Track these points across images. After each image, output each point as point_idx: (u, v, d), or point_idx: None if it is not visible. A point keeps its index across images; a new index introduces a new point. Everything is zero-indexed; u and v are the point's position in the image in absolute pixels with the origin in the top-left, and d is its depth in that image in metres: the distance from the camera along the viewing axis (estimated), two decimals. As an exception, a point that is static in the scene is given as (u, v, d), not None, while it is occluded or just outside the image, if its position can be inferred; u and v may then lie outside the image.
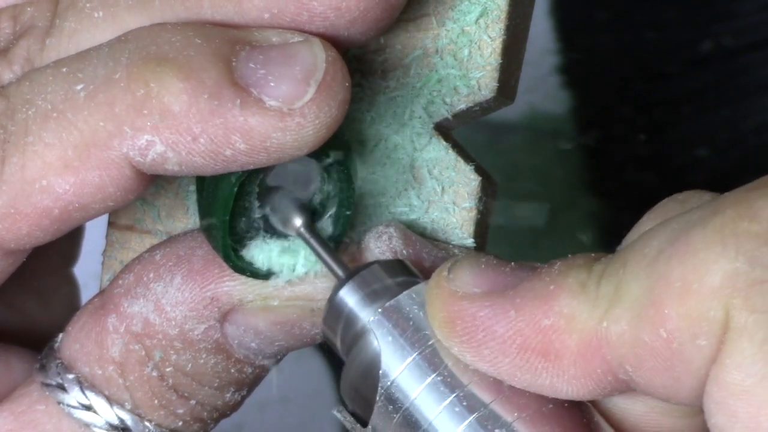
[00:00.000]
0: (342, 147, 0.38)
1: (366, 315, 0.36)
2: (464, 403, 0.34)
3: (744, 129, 0.84)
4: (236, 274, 0.38)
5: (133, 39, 0.35)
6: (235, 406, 0.40)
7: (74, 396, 0.38)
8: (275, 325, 0.38)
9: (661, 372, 0.31)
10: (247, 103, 0.34)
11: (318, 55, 0.35)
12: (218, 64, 0.34)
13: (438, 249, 0.39)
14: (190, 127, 0.34)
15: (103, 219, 0.42)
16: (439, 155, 0.40)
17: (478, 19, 0.39)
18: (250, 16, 0.35)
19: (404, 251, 0.38)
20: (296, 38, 0.35)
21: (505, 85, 0.40)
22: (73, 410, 0.38)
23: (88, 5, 0.36)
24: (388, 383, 0.35)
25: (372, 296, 0.36)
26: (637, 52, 0.89)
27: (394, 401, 0.35)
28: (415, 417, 0.34)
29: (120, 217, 0.41)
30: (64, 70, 0.35)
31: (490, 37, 0.39)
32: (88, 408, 0.38)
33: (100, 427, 0.38)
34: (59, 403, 0.38)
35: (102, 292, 0.40)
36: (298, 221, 0.38)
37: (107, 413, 0.38)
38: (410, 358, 0.35)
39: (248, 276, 0.38)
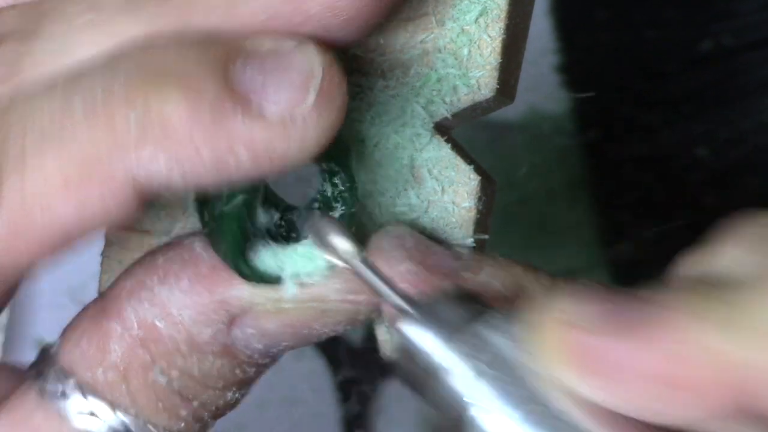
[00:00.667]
0: (341, 148, 0.38)
1: (442, 354, 0.35)
2: None
3: (744, 129, 0.84)
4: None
5: (127, 56, 0.35)
6: (235, 405, 0.40)
7: (75, 402, 0.38)
8: (285, 327, 0.38)
9: None
10: (248, 112, 0.34)
11: (314, 60, 0.34)
12: (216, 75, 0.34)
13: (446, 250, 0.39)
14: (192, 139, 0.34)
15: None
16: (439, 155, 0.40)
17: (477, 18, 0.39)
18: (243, 19, 0.35)
19: (416, 252, 0.38)
20: (290, 43, 0.35)
21: (505, 85, 0.40)
22: (74, 416, 0.38)
23: (74, 9, 0.36)
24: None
25: (449, 330, 0.35)
26: (636, 51, 0.89)
27: None
28: None
29: (119, 216, 0.42)
30: (59, 88, 0.35)
31: (489, 37, 0.39)
32: (90, 414, 0.38)
33: None
34: (60, 409, 0.38)
35: (102, 296, 0.39)
36: (346, 247, 0.37)
37: (110, 418, 0.38)
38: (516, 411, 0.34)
39: (259, 283, 0.38)
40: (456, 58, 0.39)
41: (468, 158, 0.40)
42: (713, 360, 0.32)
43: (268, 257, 0.38)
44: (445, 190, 0.40)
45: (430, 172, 0.40)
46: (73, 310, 0.40)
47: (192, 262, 0.38)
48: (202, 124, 0.34)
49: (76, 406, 0.38)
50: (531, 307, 0.34)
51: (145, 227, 0.41)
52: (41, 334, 0.88)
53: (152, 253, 0.39)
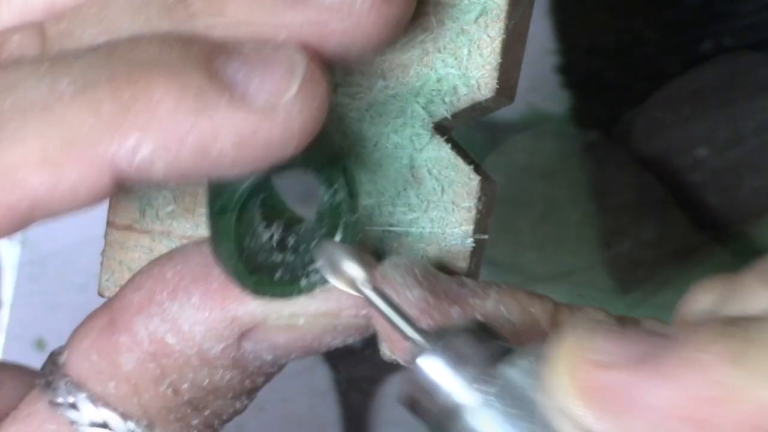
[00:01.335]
0: (337, 153, 0.38)
1: (465, 394, 0.33)
2: None
3: (744, 129, 0.84)
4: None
5: (115, 45, 0.35)
6: (243, 410, 0.40)
7: (87, 414, 0.38)
8: (296, 341, 0.38)
9: None
10: (233, 100, 0.34)
11: (296, 55, 0.35)
12: (201, 66, 0.34)
13: (451, 277, 0.39)
14: (177, 127, 0.34)
15: (102, 218, 0.41)
16: (438, 155, 0.40)
17: (477, 18, 0.39)
18: (262, 28, 0.35)
19: (424, 280, 0.38)
20: (271, 44, 0.35)
21: (505, 85, 0.39)
22: (86, 429, 0.38)
23: (86, 33, 0.36)
24: None
25: (464, 365, 0.34)
26: (637, 52, 0.89)
27: None
28: None
29: (119, 216, 0.41)
30: (46, 66, 0.35)
31: (489, 36, 0.39)
32: (103, 426, 0.38)
33: None
34: (72, 422, 0.38)
35: (109, 307, 0.39)
36: (356, 273, 0.36)
37: (122, 428, 0.38)
38: None
39: (269, 297, 0.38)
40: (456, 58, 0.39)
41: (468, 158, 0.40)
42: (737, 400, 0.31)
43: (276, 270, 0.38)
44: (445, 190, 0.40)
45: (430, 172, 0.40)
46: (73, 311, 0.40)
47: (202, 277, 0.38)
48: (188, 112, 0.34)
49: (88, 416, 0.38)
50: (550, 344, 0.33)
51: (145, 227, 0.41)
52: (41, 334, 0.88)
53: (160, 264, 0.39)
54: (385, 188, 0.40)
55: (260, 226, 0.38)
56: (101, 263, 0.42)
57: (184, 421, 0.39)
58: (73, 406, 0.38)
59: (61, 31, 0.37)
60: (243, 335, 0.38)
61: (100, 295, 0.42)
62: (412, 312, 0.36)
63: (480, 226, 0.40)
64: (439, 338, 0.34)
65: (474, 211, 0.40)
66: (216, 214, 0.37)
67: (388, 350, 0.38)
